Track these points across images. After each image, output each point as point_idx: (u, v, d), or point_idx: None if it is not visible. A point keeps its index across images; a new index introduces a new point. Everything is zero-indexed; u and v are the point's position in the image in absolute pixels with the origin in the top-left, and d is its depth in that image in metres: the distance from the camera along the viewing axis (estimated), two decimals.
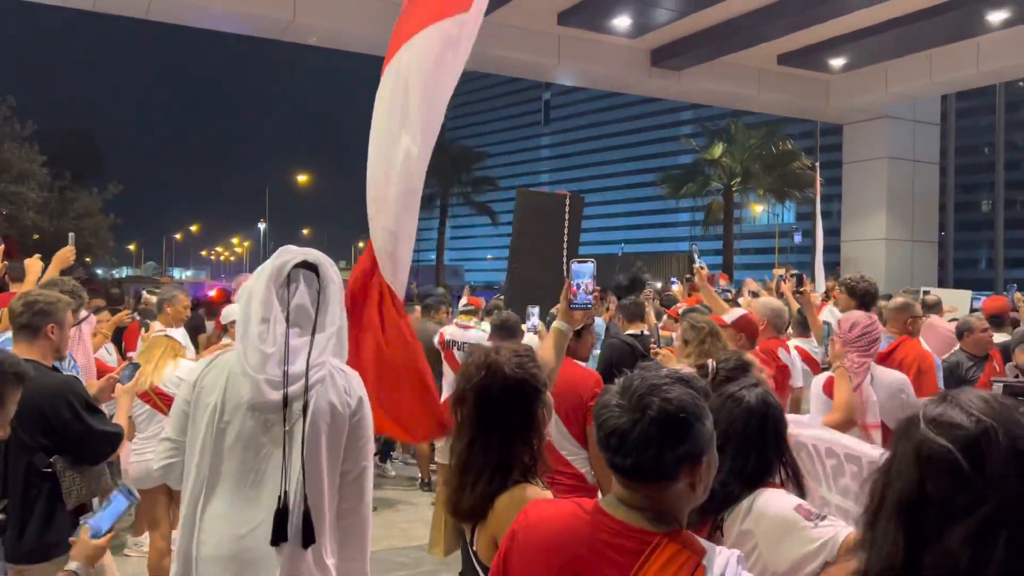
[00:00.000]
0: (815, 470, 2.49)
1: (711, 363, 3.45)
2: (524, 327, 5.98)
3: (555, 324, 2.55)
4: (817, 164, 14.94)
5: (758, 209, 40.91)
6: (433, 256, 48.66)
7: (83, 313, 4.52)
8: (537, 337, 5.72)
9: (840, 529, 1.96)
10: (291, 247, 2.48)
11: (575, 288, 2.53)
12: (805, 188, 26.20)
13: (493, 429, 1.84)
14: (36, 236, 23.15)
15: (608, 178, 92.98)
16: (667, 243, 77.60)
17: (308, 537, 2.25)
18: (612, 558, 1.42)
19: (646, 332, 6.14)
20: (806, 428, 2.64)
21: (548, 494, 1.85)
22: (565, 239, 6.53)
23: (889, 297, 10.72)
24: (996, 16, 13.58)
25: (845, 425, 3.54)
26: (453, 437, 1.97)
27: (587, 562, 1.44)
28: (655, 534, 1.41)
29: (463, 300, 9.23)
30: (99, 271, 42.88)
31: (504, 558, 1.60)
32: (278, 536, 2.22)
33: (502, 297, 10.04)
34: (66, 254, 4.62)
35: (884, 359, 4.39)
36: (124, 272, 72.31)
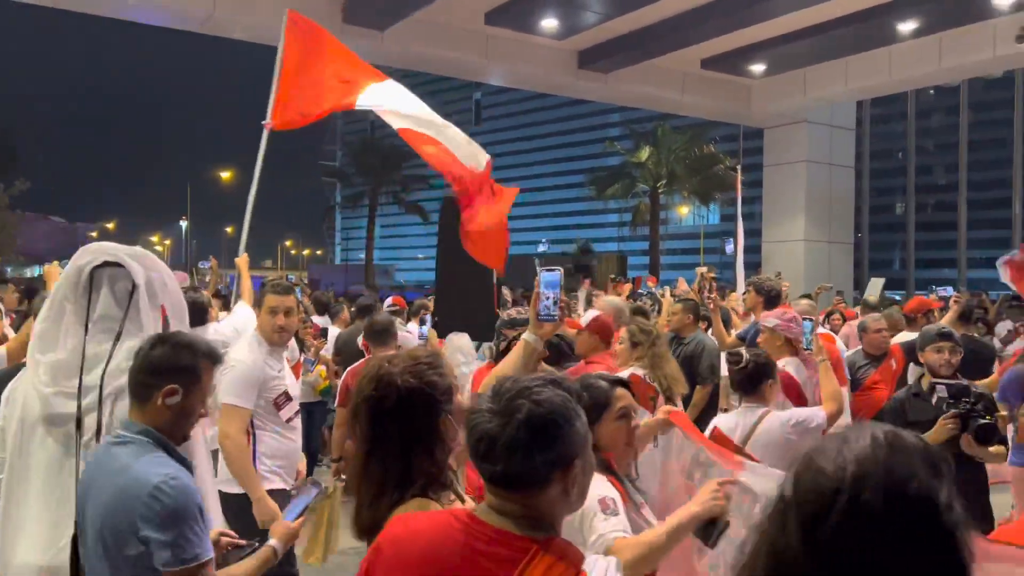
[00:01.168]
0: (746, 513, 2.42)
1: (745, 354, 3.63)
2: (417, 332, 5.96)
3: (524, 336, 2.42)
4: (739, 167, 15.30)
5: (684, 211, 41.74)
6: (362, 255, 48.11)
7: None
8: (428, 345, 5.70)
9: (614, 531, 2.09)
10: (93, 245, 2.35)
11: (541, 299, 2.37)
12: (728, 190, 26.86)
13: (389, 442, 1.76)
14: None
15: (539, 178, 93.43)
16: (597, 243, 78.47)
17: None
18: (487, 567, 1.36)
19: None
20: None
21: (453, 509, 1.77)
22: None
23: (808, 296, 11.07)
24: (905, 26, 14.16)
25: (839, 413, 3.77)
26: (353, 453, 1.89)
27: (461, 573, 1.38)
28: (532, 541, 1.36)
29: (388, 301, 9.15)
30: (8, 269, 40.98)
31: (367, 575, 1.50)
32: (73, 570, 2.09)
33: (430, 298, 9.97)
34: None
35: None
36: (36, 271, 69.25)
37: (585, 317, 4.66)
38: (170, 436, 2.05)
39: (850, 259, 21.29)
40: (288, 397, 3.87)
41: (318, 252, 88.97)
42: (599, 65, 15.87)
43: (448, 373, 1.86)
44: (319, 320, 8.96)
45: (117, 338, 2.25)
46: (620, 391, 2.40)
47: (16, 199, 28.13)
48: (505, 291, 9.05)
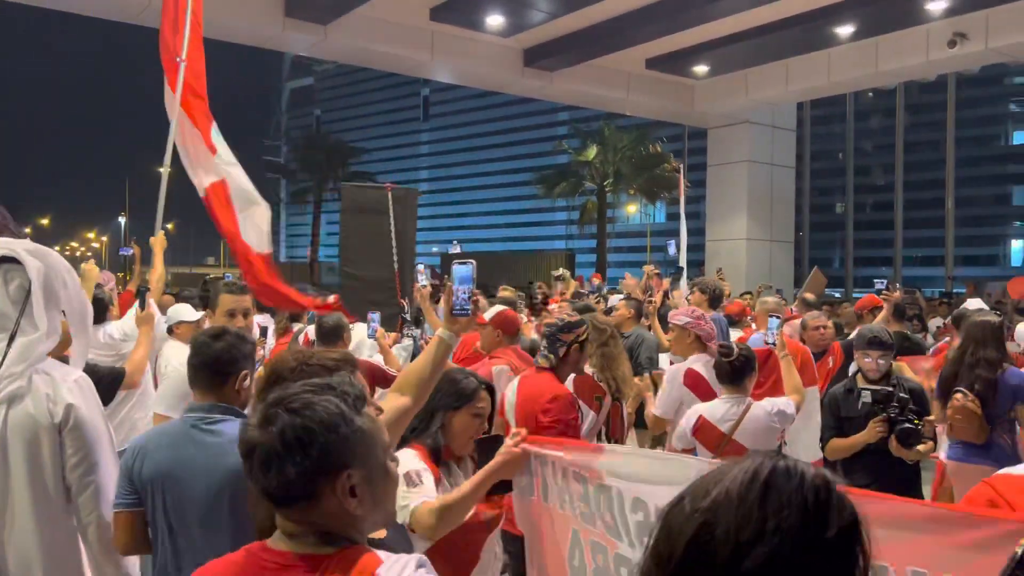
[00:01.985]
0: (610, 520, 2.32)
1: (735, 347, 3.87)
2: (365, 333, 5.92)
3: (439, 332, 2.32)
4: (680, 166, 15.47)
5: (631, 209, 42.13)
6: (307, 253, 47.39)
7: None
8: (376, 343, 5.64)
9: (419, 499, 2.30)
10: None
11: (455, 293, 2.28)
12: (673, 189, 27.17)
13: None
14: None
15: (488, 176, 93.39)
16: (545, 241, 78.74)
17: None
18: None
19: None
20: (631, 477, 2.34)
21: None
22: (392, 234, 6.45)
23: (749, 293, 11.22)
24: (843, 30, 14.48)
25: (801, 404, 4.08)
26: None
27: None
28: (323, 557, 1.27)
29: (331, 298, 8.99)
30: None
31: None
32: None
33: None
34: None
35: (766, 356, 4.77)
36: None
37: (489, 312, 4.69)
38: (243, 409, 2.36)
39: (791, 257, 21.73)
40: None
41: None
42: (545, 63, 15.90)
43: (355, 380, 1.78)
44: (259, 319, 8.77)
45: (12, 338, 2.14)
46: (484, 394, 2.61)
47: None
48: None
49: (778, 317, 4.48)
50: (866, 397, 3.94)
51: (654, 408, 4.37)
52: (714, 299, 6.23)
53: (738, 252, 19.32)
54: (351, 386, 1.37)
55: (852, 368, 5.46)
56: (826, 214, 67.27)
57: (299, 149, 43.64)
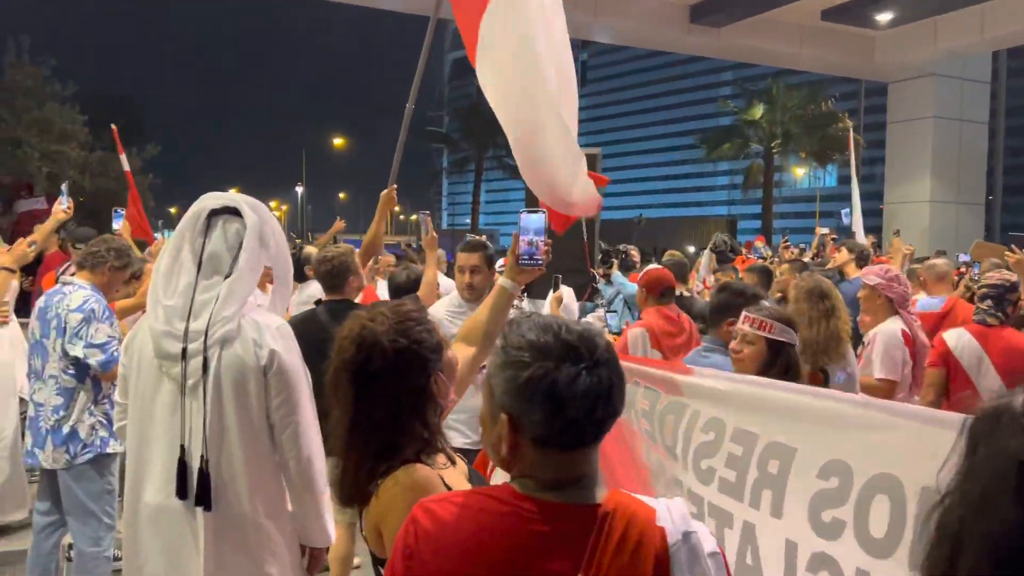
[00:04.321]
0: (670, 442, 2.25)
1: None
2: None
3: (500, 281, 2.27)
4: (850, 124, 14.52)
5: (799, 172, 40.15)
6: (468, 220, 48.56)
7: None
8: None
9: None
10: (211, 193, 2.45)
11: (522, 243, 2.22)
12: (846, 151, 25.65)
13: (377, 409, 1.63)
14: (82, 199, 23.34)
15: (646, 140, 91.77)
16: (706, 207, 76.56)
17: (202, 497, 2.26)
18: (554, 548, 1.20)
19: (686, 294, 6.13)
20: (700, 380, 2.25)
21: (444, 474, 1.61)
22: None
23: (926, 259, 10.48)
24: None
25: None
26: (334, 421, 1.73)
27: (526, 560, 1.20)
28: (594, 506, 1.21)
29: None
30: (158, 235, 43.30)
31: None
32: (180, 492, 2.27)
33: None
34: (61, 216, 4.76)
35: (942, 319, 4.71)
36: (167, 235, 72.88)
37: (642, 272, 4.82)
38: None
39: (980, 221, 20.06)
40: None
41: None
42: (712, 19, 15.36)
43: (436, 328, 1.74)
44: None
45: (225, 279, 2.34)
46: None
47: (147, 165, 29.47)
48: (633, 251, 8.98)
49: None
50: None
51: (878, 372, 4.04)
52: (861, 259, 6.26)
53: (920, 215, 18.03)
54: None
55: None
56: (1022, 175, 61.36)
57: (460, 118, 44.53)
